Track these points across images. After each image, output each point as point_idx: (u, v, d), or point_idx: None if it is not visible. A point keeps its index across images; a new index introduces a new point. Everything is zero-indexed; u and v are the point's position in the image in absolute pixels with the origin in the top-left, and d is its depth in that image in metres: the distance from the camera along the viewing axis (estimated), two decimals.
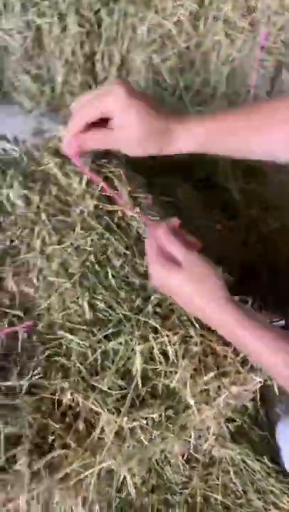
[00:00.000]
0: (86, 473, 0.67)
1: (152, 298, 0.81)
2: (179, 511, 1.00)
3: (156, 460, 1.05)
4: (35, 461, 0.67)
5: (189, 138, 0.65)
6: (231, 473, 1.07)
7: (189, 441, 0.94)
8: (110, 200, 1.00)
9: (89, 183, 1.01)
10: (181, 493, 1.03)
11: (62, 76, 1.30)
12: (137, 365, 0.73)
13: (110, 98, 0.63)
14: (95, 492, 0.70)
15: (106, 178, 1.02)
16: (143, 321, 0.79)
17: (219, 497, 1.03)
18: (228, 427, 1.04)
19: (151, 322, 0.78)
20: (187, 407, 0.80)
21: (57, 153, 1.07)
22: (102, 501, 0.93)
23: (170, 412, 0.79)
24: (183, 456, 1.06)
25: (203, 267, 0.62)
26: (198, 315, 0.69)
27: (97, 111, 0.65)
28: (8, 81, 1.37)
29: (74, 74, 1.31)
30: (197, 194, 1.49)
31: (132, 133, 0.65)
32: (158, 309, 0.80)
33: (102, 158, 1.09)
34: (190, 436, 0.89)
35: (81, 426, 0.71)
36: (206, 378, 0.78)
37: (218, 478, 1.06)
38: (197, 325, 0.78)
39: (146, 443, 0.81)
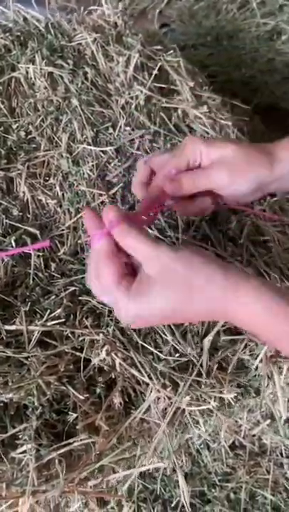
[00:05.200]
0: (122, 473, 0.44)
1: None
2: (217, 509, 0.79)
3: (192, 442, 0.82)
4: (45, 447, 0.43)
5: None
6: (285, 466, 0.84)
7: (239, 424, 0.72)
8: (166, 92, 0.73)
9: (138, 68, 0.73)
10: (221, 487, 0.81)
11: None
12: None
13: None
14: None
15: (160, 69, 0.74)
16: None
17: (268, 495, 0.81)
18: None
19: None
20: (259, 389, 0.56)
21: (96, 29, 0.79)
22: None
23: (239, 392, 0.54)
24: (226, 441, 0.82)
25: (176, 259, 0.40)
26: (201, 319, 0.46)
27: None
28: None
29: None
30: (258, 119, 1.21)
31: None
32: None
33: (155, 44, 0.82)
34: (243, 418, 0.66)
35: (117, 400, 0.47)
36: None
37: (268, 472, 0.83)
38: None
39: (193, 428, 0.58)
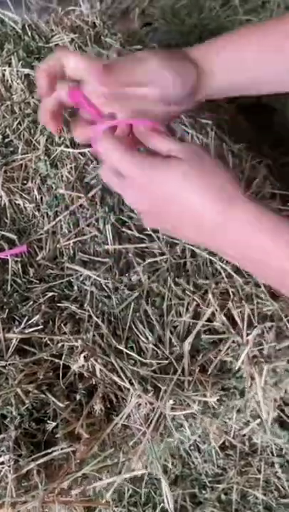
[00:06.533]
0: (106, 480, 0.43)
1: None
2: (209, 511, 0.78)
3: (182, 443, 0.81)
4: (24, 458, 0.42)
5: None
6: (276, 466, 0.84)
7: (229, 425, 0.71)
8: None
9: None
10: (212, 488, 0.80)
11: None
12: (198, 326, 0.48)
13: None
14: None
15: None
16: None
17: (260, 494, 0.81)
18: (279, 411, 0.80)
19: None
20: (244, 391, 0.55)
21: (74, 29, 0.78)
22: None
23: (223, 394, 0.54)
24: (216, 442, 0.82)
25: (209, 159, 0.41)
26: (195, 227, 0.42)
27: None
28: None
29: None
30: (243, 118, 1.21)
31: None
32: None
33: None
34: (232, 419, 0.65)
35: (98, 406, 0.46)
36: (281, 346, 0.53)
37: (259, 471, 0.83)
38: None
39: (176, 434, 0.57)
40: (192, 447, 0.83)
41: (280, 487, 0.84)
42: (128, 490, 0.78)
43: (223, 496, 0.82)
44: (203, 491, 0.82)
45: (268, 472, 0.84)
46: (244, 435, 0.83)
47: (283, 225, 0.39)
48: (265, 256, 0.40)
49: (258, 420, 0.72)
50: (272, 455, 0.85)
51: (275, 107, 1.21)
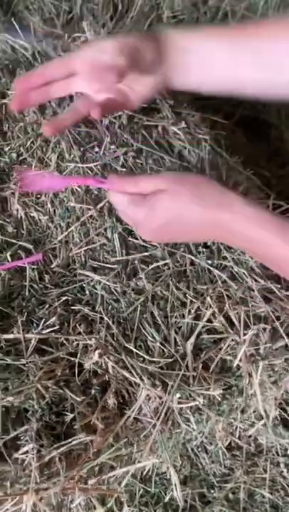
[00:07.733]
0: (120, 470, 0.47)
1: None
2: (217, 510, 0.81)
3: (190, 443, 0.84)
4: (46, 448, 0.46)
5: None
6: (282, 465, 0.86)
7: (235, 426, 0.74)
8: (148, 111, 0.77)
9: None
10: (220, 488, 0.83)
11: None
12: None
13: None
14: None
15: None
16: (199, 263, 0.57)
17: (267, 493, 0.83)
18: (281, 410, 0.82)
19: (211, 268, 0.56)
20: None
21: None
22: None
23: (226, 392, 0.57)
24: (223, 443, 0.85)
25: (183, 177, 0.51)
26: (204, 234, 0.52)
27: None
28: None
29: None
30: (241, 133, 1.26)
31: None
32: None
33: None
34: (236, 419, 0.68)
35: (111, 401, 0.50)
36: (277, 345, 0.57)
37: (265, 471, 0.85)
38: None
39: (184, 426, 0.60)
40: (200, 449, 0.85)
41: (286, 486, 0.87)
42: (139, 490, 0.80)
43: (230, 495, 0.84)
44: (212, 491, 0.84)
45: (273, 472, 0.86)
46: (250, 436, 0.85)
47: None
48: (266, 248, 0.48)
49: (263, 421, 0.75)
50: (278, 455, 0.88)
51: (272, 122, 1.26)
